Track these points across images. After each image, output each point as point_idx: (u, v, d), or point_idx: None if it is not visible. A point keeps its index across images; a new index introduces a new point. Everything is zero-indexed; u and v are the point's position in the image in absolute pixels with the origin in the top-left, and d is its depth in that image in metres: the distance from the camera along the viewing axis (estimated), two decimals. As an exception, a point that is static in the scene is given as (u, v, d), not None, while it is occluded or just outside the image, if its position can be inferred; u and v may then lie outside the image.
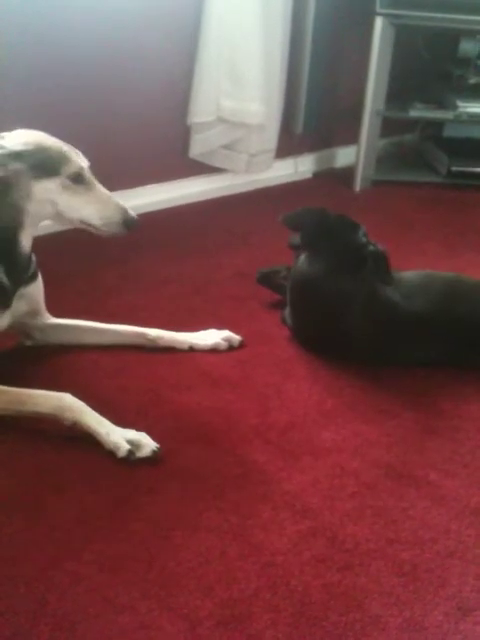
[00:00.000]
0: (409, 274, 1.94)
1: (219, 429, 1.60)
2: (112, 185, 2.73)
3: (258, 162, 2.95)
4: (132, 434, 1.50)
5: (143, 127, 2.66)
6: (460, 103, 3.08)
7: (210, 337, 1.89)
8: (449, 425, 1.66)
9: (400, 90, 3.15)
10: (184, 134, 2.79)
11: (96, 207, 1.66)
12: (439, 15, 2.82)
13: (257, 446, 1.56)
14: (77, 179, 1.64)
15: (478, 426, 1.66)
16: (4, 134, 1.62)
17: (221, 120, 2.78)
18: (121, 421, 1.54)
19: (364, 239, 1.85)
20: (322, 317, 1.86)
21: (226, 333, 1.91)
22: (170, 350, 1.87)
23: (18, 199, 1.60)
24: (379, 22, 2.86)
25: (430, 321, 1.82)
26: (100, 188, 1.69)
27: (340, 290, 1.82)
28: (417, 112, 3.16)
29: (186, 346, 1.87)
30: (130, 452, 1.47)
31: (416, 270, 1.98)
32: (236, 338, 1.91)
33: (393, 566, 1.28)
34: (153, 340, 1.87)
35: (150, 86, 2.65)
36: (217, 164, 2.90)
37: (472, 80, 3.20)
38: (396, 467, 1.51)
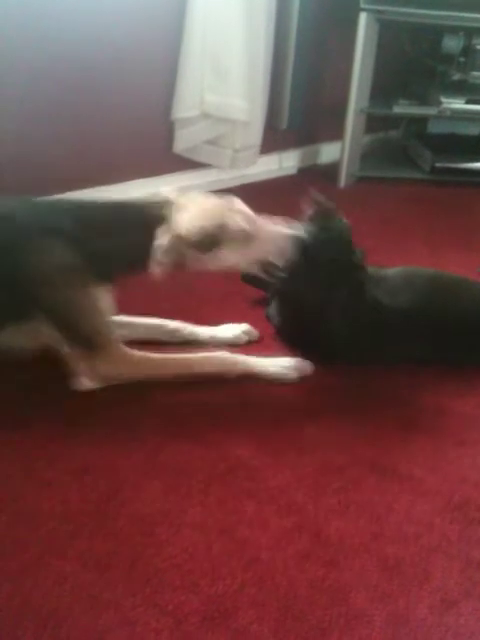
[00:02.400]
0: (392, 271, 1.93)
1: (204, 425, 1.60)
2: (97, 180, 2.73)
3: (243, 157, 2.94)
4: (284, 361, 1.74)
5: (127, 122, 2.65)
6: (444, 99, 3.10)
7: (230, 330, 1.90)
8: (432, 421, 1.68)
9: (384, 86, 3.16)
10: (168, 129, 2.78)
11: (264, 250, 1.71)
12: (423, 11, 2.84)
13: (242, 442, 1.56)
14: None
15: (461, 422, 1.68)
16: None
17: (205, 115, 2.78)
18: (106, 415, 1.54)
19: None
20: (306, 318, 1.84)
21: (245, 326, 1.92)
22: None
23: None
24: (363, 18, 2.86)
25: (414, 319, 1.82)
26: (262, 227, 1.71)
27: (323, 291, 1.81)
28: (401, 108, 3.17)
29: (206, 337, 1.88)
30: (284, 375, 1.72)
31: (399, 267, 1.98)
32: (254, 332, 1.92)
33: (377, 561, 1.29)
34: (171, 332, 1.87)
35: (134, 81, 2.63)
36: (201, 159, 2.89)
37: (455, 76, 3.21)
38: (380, 463, 1.52)
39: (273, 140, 3.08)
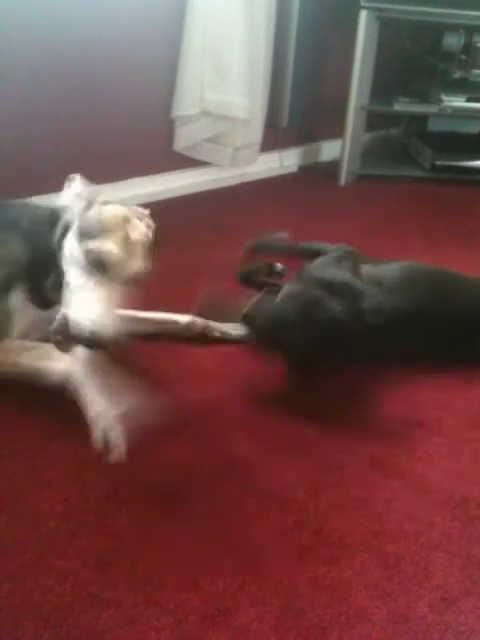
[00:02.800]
0: (391, 267, 1.92)
1: (204, 423, 1.60)
2: (97, 179, 2.72)
3: (243, 156, 2.94)
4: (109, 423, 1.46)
5: (128, 120, 2.65)
6: (444, 97, 3.09)
7: (241, 327, 1.87)
8: (433, 417, 1.67)
9: (384, 84, 3.16)
10: (169, 127, 2.78)
11: None
12: (423, 9, 2.83)
13: (242, 440, 1.56)
14: None
15: (462, 419, 1.68)
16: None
17: (205, 113, 2.78)
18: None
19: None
20: (321, 332, 1.70)
21: None
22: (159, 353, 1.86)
23: None
24: (364, 15, 2.86)
25: (415, 316, 1.81)
26: None
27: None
28: (401, 106, 3.16)
29: (217, 333, 1.89)
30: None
31: (396, 262, 1.96)
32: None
33: (378, 558, 1.29)
34: (184, 327, 1.88)
35: (134, 79, 2.63)
36: (202, 157, 2.89)
37: (456, 74, 3.21)
38: (380, 459, 1.52)
39: (274, 138, 3.08)
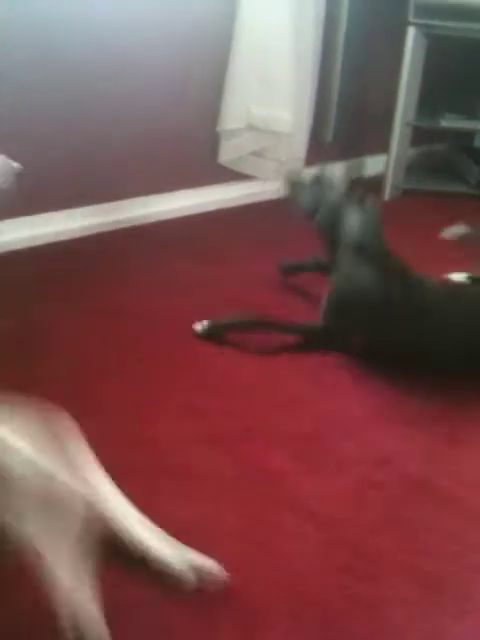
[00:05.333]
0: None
1: (244, 437, 1.61)
2: (143, 190, 2.77)
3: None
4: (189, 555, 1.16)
5: (174, 133, 2.68)
6: (491, 114, 3.07)
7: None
8: (477, 438, 1.65)
9: (431, 100, 3.14)
10: (214, 140, 2.81)
11: None
12: (471, 26, 2.82)
13: (281, 454, 1.56)
14: None
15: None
16: None
17: (251, 127, 2.80)
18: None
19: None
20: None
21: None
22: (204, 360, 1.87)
23: None
24: (411, 32, 2.86)
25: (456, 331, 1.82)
26: None
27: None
28: (448, 122, 3.15)
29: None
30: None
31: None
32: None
33: (417, 578, 1.27)
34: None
35: (182, 92, 2.67)
36: (246, 171, 2.91)
37: (503, 91, 3.19)
38: (422, 480, 1.51)
39: (318, 152, 3.08)
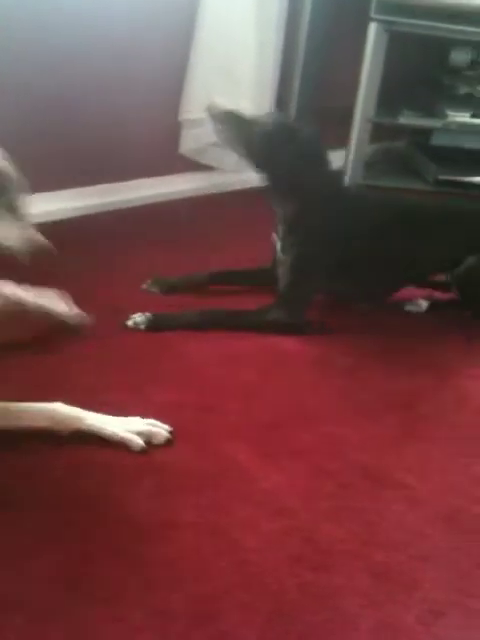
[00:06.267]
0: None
1: (199, 426, 1.60)
2: (101, 178, 2.74)
3: (248, 161, 2.94)
4: (139, 425, 1.51)
5: (134, 121, 2.65)
6: (449, 112, 3.11)
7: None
8: (428, 430, 1.68)
9: (390, 96, 3.17)
10: (175, 130, 2.79)
11: None
12: (432, 23, 2.84)
13: (236, 444, 1.56)
14: None
15: (457, 433, 1.68)
16: None
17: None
18: (103, 412, 1.53)
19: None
20: None
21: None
22: (157, 350, 1.86)
23: None
24: (373, 27, 2.87)
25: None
26: None
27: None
28: (406, 119, 3.17)
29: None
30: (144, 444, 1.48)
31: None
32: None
33: (367, 567, 1.29)
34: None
35: (143, 80, 2.64)
36: (207, 162, 2.90)
37: (462, 90, 3.23)
38: (373, 470, 1.53)
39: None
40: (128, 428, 1.51)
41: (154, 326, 1.92)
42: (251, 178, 3.00)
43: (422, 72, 3.34)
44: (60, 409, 1.50)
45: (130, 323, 1.92)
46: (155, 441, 1.51)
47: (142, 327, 1.91)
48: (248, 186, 3.02)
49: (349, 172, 3.10)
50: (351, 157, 3.08)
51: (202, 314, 1.97)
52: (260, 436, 1.60)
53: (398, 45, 3.07)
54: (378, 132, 3.24)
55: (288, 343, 1.95)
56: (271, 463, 1.52)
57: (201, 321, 1.95)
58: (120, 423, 1.51)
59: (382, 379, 1.84)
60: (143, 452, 1.49)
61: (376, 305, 2.13)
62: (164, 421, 1.56)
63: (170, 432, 1.52)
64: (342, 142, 3.09)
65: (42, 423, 1.48)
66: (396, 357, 1.95)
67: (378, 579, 1.27)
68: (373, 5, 2.82)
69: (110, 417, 1.52)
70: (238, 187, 3.00)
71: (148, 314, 1.94)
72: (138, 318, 1.93)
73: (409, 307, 2.17)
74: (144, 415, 1.56)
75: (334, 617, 1.19)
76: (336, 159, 3.24)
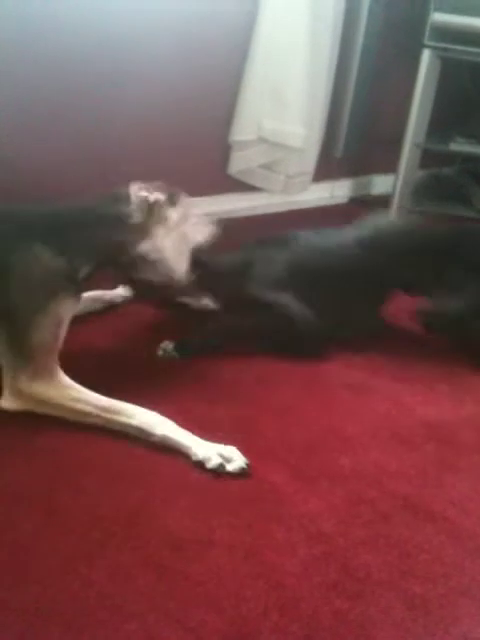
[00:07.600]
0: None
1: (237, 445, 1.60)
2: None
3: (295, 184, 2.97)
4: (221, 448, 1.53)
5: (186, 141, 2.69)
6: (501, 140, 3.08)
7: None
8: (470, 461, 1.65)
9: (442, 122, 3.16)
10: (225, 151, 2.82)
11: None
12: (485, 51, 2.83)
13: (274, 466, 1.55)
14: None
15: (500, 465, 1.65)
16: None
17: (262, 140, 2.81)
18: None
19: None
20: None
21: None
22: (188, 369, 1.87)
23: None
24: (426, 54, 2.87)
25: None
26: None
27: None
28: (458, 146, 3.15)
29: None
30: (220, 465, 1.50)
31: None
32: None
33: (404, 598, 1.27)
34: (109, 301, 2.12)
35: (195, 102, 2.68)
36: (254, 183, 2.92)
37: (515, 117, 3.20)
38: (413, 500, 1.50)
39: (326, 168, 3.10)
40: (212, 448, 1.52)
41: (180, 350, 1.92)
42: (297, 200, 3.06)
43: (475, 99, 3.32)
44: (158, 416, 1.57)
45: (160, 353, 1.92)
46: (230, 468, 1.51)
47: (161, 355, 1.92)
48: (295, 208, 3.06)
49: (396, 198, 3.09)
50: (399, 182, 3.07)
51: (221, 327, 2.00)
52: (298, 459, 1.59)
53: (451, 71, 3.07)
54: (429, 159, 3.23)
55: (324, 364, 1.94)
56: (308, 487, 1.51)
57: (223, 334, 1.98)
58: (203, 444, 1.54)
59: (421, 405, 1.82)
60: (216, 471, 1.50)
61: (369, 331, 2.08)
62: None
63: (244, 466, 1.52)
64: (391, 167, 3.08)
65: (137, 423, 1.56)
66: (437, 385, 1.92)
67: (415, 611, 1.25)
68: (427, 32, 2.82)
69: (195, 437, 1.55)
70: (285, 208, 3.03)
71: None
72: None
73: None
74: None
75: (368, 647, 1.17)
76: (384, 183, 3.26)
